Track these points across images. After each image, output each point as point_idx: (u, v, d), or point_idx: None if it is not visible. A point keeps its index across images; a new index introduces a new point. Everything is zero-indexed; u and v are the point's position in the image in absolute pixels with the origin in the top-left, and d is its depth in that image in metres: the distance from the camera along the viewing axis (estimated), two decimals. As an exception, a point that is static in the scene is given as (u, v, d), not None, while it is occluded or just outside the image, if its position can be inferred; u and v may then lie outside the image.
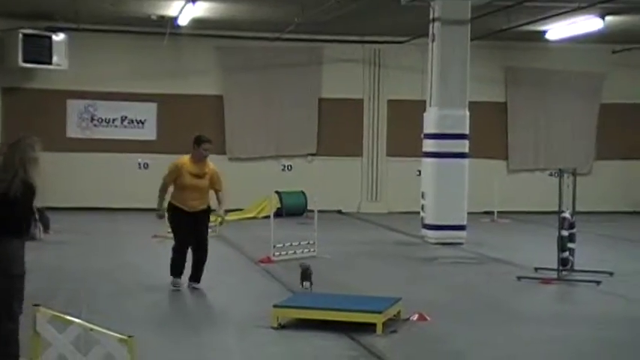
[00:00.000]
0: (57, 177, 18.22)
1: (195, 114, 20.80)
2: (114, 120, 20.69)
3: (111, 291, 9.85)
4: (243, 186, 20.18)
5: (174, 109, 20.71)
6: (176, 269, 9.74)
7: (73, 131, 20.48)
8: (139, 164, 20.80)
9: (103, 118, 20.61)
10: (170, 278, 9.84)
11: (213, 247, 14.43)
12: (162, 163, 20.14)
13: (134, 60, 20.50)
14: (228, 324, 8.18)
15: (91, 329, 4.39)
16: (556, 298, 10.45)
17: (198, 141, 9.73)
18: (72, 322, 4.66)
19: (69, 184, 19.73)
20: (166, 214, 9.90)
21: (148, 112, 20.78)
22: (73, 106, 20.45)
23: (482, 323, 8.50)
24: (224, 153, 21.10)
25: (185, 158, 9.86)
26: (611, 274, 11.45)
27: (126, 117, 20.75)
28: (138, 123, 20.81)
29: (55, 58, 19.00)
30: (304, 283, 8.34)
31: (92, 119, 20.56)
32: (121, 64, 20.41)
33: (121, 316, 8.30)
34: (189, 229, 9.58)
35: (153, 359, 6.64)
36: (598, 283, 10.79)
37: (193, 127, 20.73)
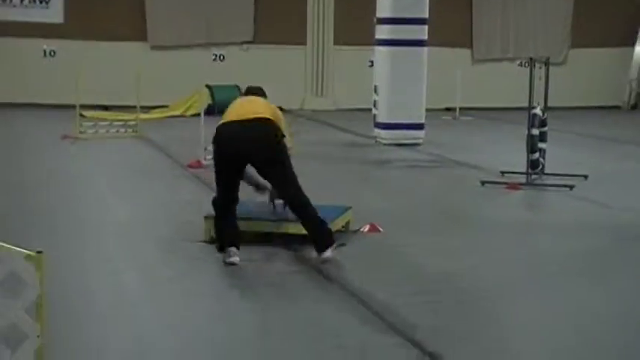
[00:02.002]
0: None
1: (110, -8, 20.34)
2: (12, -1, 20.11)
3: (22, 207, 9.75)
4: (168, 79, 19.97)
5: (85, -14, 20.21)
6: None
7: (-39, 12, 19.92)
8: (44, 52, 20.36)
9: (-2, -4, 20.02)
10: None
11: (134, 149, 14.44)
12: (72, 51, 20.01)
13: None
14: (153, 237, 8.18)
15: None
16: (524, 205, 10.66)
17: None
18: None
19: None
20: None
21: (54, -12, 20.23)
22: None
23: (441, 233, 8.65)
24: (145, 40, 20.77)
25: None
26: (585, 177, 11.68)
27: (26, -5, 20.16)
28: (41, 2, 20.23)
29: None
30: (275, 202, 7.99)
31: (-16, -2, 19.98)
32: None
33: (28, 233, 8.24)
34: None
35: (65, 277, 6.65)
36: (571, 187, 11.01)
37: (108, 7, 20.38)
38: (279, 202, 7.85)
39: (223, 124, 7.46)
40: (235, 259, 7.24)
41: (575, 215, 9.68)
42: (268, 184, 7.68)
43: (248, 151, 7.25)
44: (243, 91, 7.98)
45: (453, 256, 7.74)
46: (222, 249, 7.41)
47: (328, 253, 7.29)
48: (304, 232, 7.48)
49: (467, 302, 6.42)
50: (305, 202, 7.34)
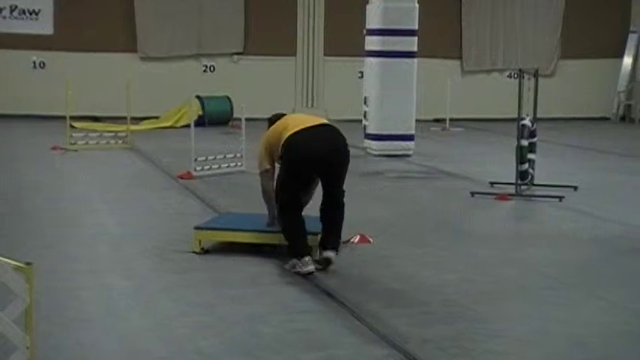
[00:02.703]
0: None
1: (100, 3, 20.33)
2: (1, 10, 20.07)
3: (11, 219, 9.72)
4: (158, 90, 19.99)
5: (75, -2, 20.21)
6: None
7: (-48, 23, 19.89)
8: (34, 63, 20.34)
9: (-12, 8, 20.01)
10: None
11: (124, 160, 14.40)
12: (61, 62, 19.98)
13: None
14: (143, 248, 8.17)
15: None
16: (513, 216, 10.68)
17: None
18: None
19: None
20: None
21: (43, 0, 20.19)
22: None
23: (432, 244, 8.65)
24: (135, 51, 20.77)
25: None
26: (575, 188, 11.71)
27: (16, 6, 20.13)
28: (31, 14, 20.22)
29: None
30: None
31: (-25, 10, 19.96)
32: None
33: (17, 244, 8.21)
34: None
35: (55, 289, 6.62)
36: (561, 198, 11.03)
37: (98, 19, 20.36)
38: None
39: (297, 132, 7.37)
40: (313, 267, 7.25)
41: (565, 226, 9.70)
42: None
43: (333, 153, 7.36)
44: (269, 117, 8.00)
45: (444, 267, 7.73)
46: (299, 255, 7.31)
47: (332, 254, 7.40)
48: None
49: (457, 313, 6.42)
50: (344, 203, 7.54)
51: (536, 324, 6.22)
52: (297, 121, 7.61)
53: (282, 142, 7.43)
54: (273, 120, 7.89)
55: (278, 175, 7.58)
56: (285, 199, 7.40)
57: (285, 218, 7.43)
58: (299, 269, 7.28)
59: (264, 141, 7.75)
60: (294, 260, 7.35)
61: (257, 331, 5.94)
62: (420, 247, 8.49)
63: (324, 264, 7.41)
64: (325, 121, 7.54)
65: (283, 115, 7.94)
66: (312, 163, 7.36)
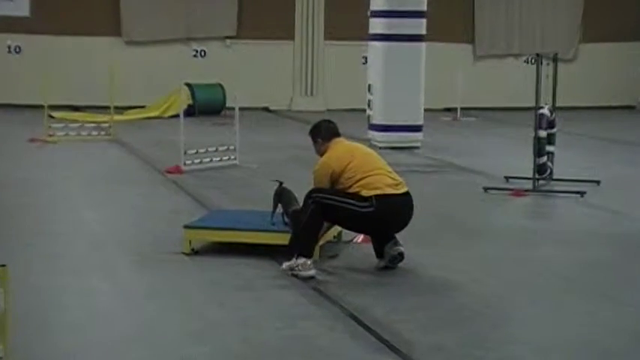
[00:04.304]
0: None
1: (80, -17, 20.36)
2: (-27, -9, 20.11)
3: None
4: (144, 77, 20.00)
5: (52, -23, 20.23)
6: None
7: None
8: (9, 48, 20.35)
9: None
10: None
11: (108, 153, 14.40)
12: (38, 47, 19.98)
13: None
14: (128, 250, 8.19)
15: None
16: (530, 213, 10.70)
17: None
18: None
19: None
20: None
21: (19, -20, 20.22)
22: None
23: (441, 243, 8.68)
24: (118, 34, 20.77)
25: None
26: (597, 183, 11.73)
27: (-11, -13, 20.16)
28: (5, -5, 20.25)
29: None
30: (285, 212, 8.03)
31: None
32: None
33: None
34: None
35: (33, 292, 6.65)
36: (582, 194, 11.06)
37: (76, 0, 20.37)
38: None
39: (389, 195, 7.51)
40: (314, 272, 7.31)
41: (586, 224, 9.72)
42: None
43: (405, 224, 7.71)
44: (323, 130, 7.89)
45: (454, 269, 7.76)
46: (303, 254, 7.34)
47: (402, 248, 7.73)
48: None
49: (468, 318, 6.45)
50: None
51: (553, 330, 6.24)
52: (379, 175, 7.63)
53: (354, 183, 7.49)
54: (324, 136, 7.79)
55: (345, 195, 7.47)
56: (326, 207, 7.44)
57: (310, 219, 7.45)
58: (298, 272, 7.32)
59: (326, 168, 7.62)
60: (294, 261, 7.37)
61: (250, 339, 5.96)
62: (428, 246, 8.51)
63: (398, 259, 7.60)
64: (406, 186, 7.78)
65: (336, 132, 7.85)
66: (385, 227, 7.65)
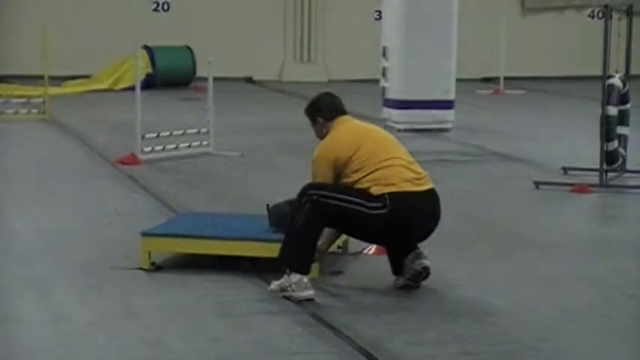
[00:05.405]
0: None
1: None
2: None
3: None
4: (89, 38, 20.00)
5: None
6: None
7: None
8: None
9: None
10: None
11: (42, 137, 14.39)
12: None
13: None
14: (67, 264, 8.21)
15: None
16: (596, 215, 10.74)
17: None
18: None
19: None
20: None
21: None
22: None
23: (477, 256, 8.71)
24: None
25: None
26: (683, 175, 11.77)
27: None
28: None
29: None
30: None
31: None
32: None
33: None
34: None
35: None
36: (662, 190, 11.11)
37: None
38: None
39: (402, 193, 7.53)
40: (312, 292, 7.35)
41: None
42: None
43: (430, 227, 7.74)
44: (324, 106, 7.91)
45: (494, 288, 7.79)
46: (298, 270, 7.37)
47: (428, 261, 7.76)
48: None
49: (512, 353, 6.46)
50: None
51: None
52: (388, 153, 7.67)
53: (364, 177, 7.51)
54: (326, 114, 7.82)
55: (350, 192, 7.51)
56: (325, 208, 7.47)
57: (305, 223, 7.46)
58: (292, 293, 7.33)
59: (327, 156, 7.64)
60: (286, 279, 7.38)
61: (229, 381, 6.00)
62: (462, 259, 8.54)
63: (422, 276, 7.64)
64: (430, 182, 7.77)
65: (341, 109, 7.87)
66: (403, 234, 7.65)
